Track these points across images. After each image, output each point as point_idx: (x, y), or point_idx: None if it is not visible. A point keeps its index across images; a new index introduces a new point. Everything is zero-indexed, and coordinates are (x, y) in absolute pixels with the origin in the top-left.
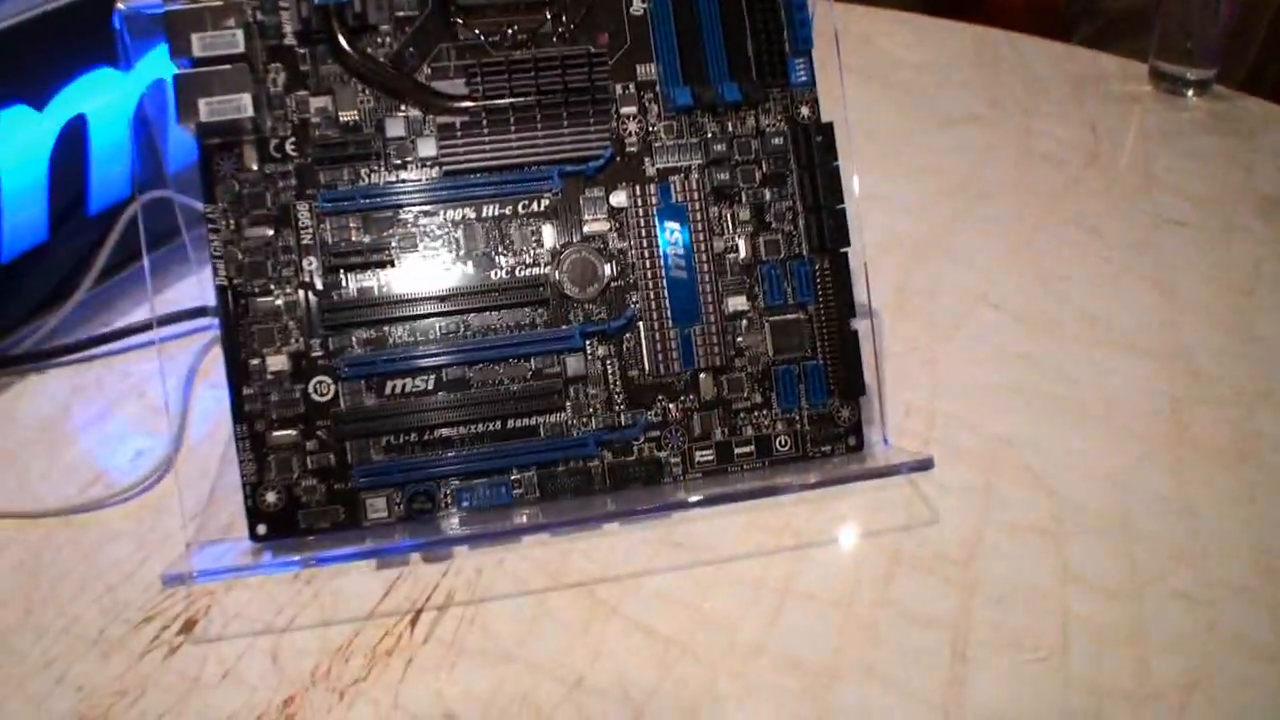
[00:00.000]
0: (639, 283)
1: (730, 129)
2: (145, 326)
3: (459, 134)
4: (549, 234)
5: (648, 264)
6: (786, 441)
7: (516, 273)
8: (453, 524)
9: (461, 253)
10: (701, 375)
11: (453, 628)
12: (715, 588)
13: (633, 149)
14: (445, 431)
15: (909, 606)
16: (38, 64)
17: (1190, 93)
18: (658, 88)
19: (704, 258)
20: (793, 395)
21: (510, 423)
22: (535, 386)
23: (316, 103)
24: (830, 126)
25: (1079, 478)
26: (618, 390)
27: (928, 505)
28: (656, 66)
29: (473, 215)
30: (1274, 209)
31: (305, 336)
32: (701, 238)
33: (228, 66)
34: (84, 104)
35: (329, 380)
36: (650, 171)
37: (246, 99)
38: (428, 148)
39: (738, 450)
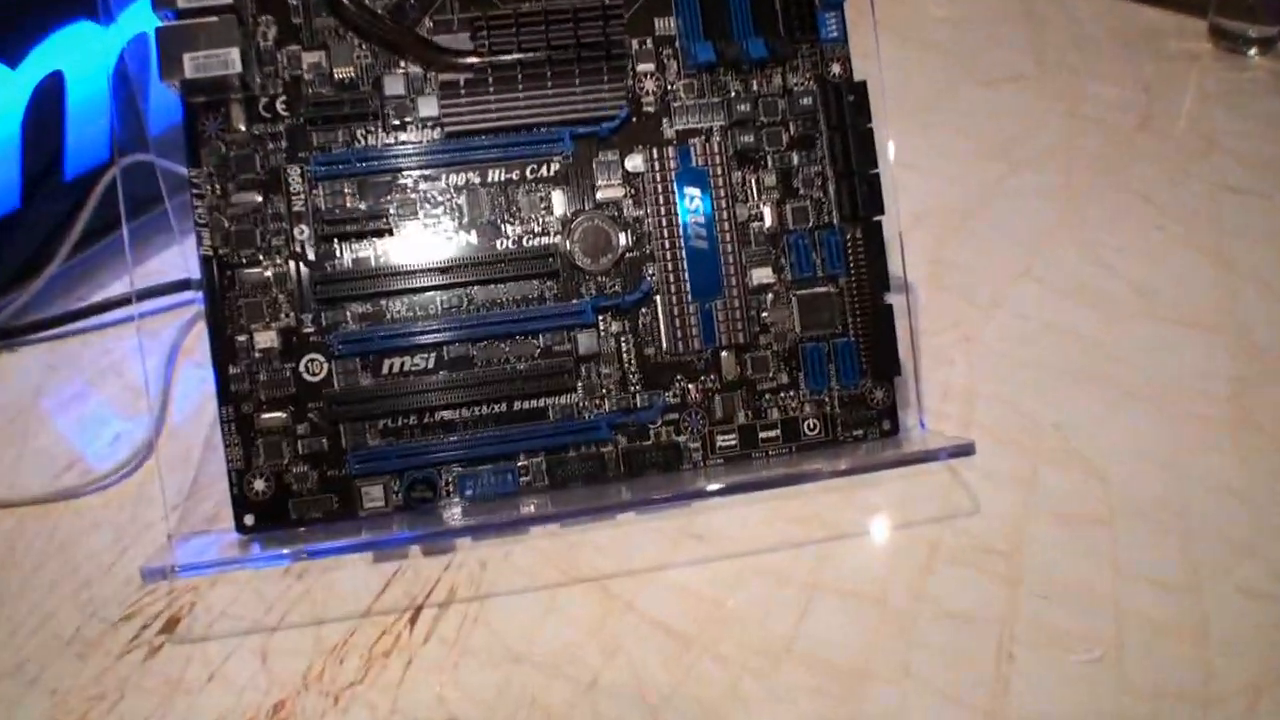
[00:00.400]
0: (656, 253)
1: (755, 88)
2: (125, 301)
3: (463, 92)
4: (559, 200)
5: (665, 233)
6: (815, 425)
7: (524, 242)
8: (455, 514)
9: (465, 221)
10: (723, 353)
11: (455, 626)
12: (738, 582)
13: (650, 109)
14: (447, 414)
15: (948, 603)
16: (11, 17)
17: (1252, 51)
18: (677, 43)
19: (726, 227)
20: (822, 375)
21: (517, 404)
22: (544, 365)
23: (309, 58)
24: (863, 86)
25: (1132, 463)
26: (633, 370)
27: (968, 494)
28: (676, 20)
29: (477, 180)
30: None
31: (296, 311)
32: (724, 205)
33: (214, 19)
34: (60, 60)
35: (322, 358)
36: (669, 133)
37: (234, 54)
38: (429, 107)
39: (762, 434)
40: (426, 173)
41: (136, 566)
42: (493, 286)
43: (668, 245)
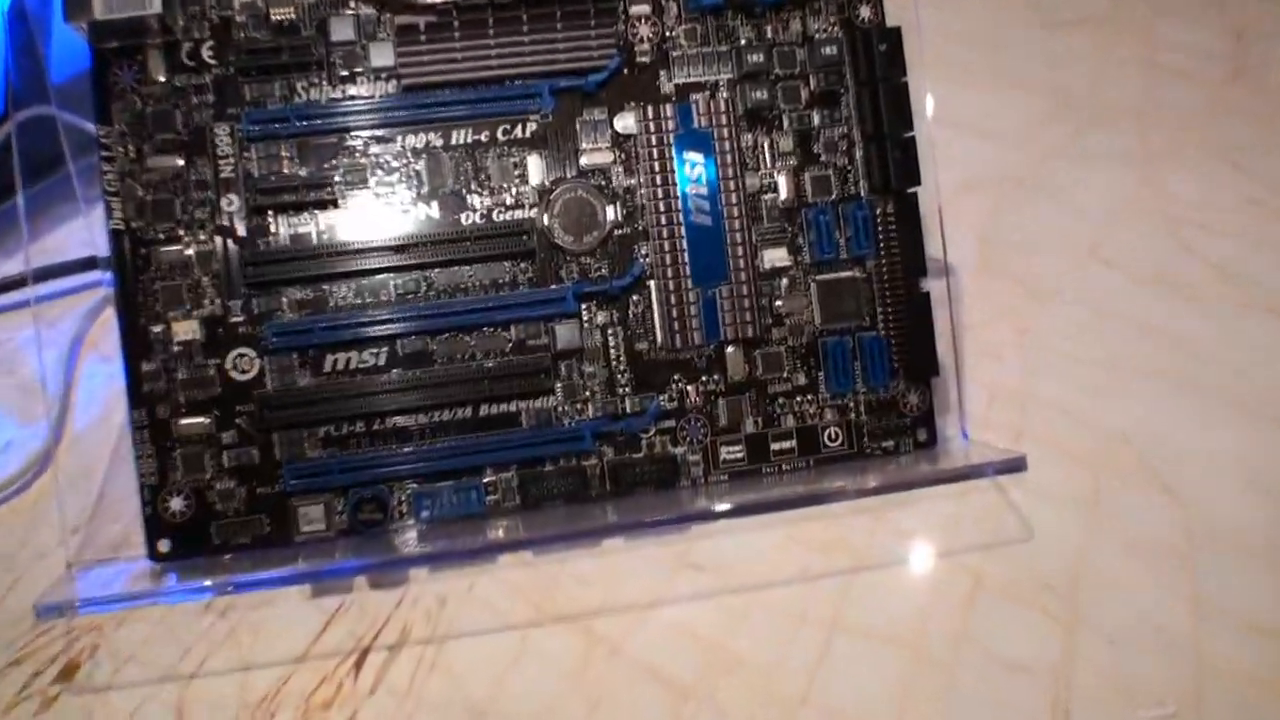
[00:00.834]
0: (650, 230)
1: (770, 35)
2: (19, 283)
3: (423, 38)
4: (536, 167)
5: (662, 206)
6: (838, 435)
7: (494, 216)
8: (409, 539)
9: (424, 191)
10: (729, 350)
11: (408, 673)
12: (745, 621)
13: (645, 59)
14: (400, 420)
15: (995, 646)
16: None
17: None
18: None
19: (734, 199)
20: (846, 376)
21: (484, 409)
22: (516, 363)
23: None
24: (897, 32)
25: (1215, 482)
26: (622, 368)
27: (1019, 517)
28: None
29: (439, 143)
30: None
31: (223, 297)
32: (731, 173)
33: None
34: None
35: (252, 353)
36: (667, 88)
37: None
38: (383, 56)
39: (774, 446)
40: (379, 133)
41: (29, 602)
42: (456, 269)
43: (664, 221)
